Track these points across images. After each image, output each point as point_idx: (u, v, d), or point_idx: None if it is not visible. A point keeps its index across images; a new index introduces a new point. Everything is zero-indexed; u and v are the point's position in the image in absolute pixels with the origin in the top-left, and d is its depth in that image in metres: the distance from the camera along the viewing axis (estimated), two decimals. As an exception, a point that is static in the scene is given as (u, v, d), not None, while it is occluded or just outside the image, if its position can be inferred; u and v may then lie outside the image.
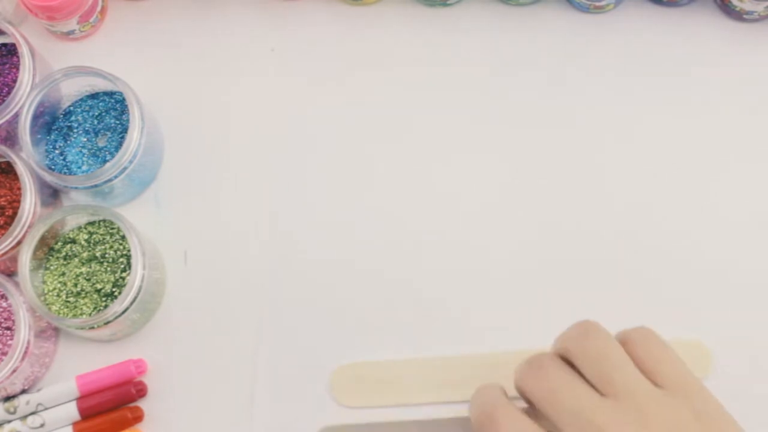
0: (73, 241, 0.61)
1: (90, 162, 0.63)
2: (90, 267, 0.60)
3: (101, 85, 0.63)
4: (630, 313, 0.55)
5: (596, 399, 0.45)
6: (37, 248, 0.59)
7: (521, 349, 0.57)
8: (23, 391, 0.60)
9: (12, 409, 0.59)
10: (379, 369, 0.59)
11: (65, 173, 0.63)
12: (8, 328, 0.60)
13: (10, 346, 0.59)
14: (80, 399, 0.59)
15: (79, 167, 0.63)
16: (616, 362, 0.46)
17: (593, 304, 0.58)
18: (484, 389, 0.49)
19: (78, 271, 0.60)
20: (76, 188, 0.60)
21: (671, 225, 0.61)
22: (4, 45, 0.65)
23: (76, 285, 0.60)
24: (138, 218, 0.61)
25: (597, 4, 0.64)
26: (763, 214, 0.61)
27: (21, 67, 0.61)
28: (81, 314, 0.59)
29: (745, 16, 0.64)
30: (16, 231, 0.58)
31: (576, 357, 0.47)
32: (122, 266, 0.60)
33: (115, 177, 0.60)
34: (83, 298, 0.60)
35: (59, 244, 0.61)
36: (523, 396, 0.47)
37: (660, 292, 0.60)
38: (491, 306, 0.60)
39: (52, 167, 0.63)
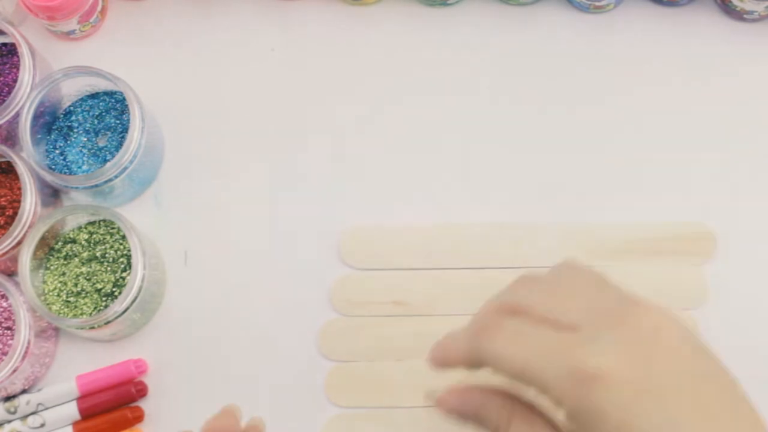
0: (74, 241, 0.61)
1: (90, 162, 0.63)
2: (90, 267, 0.60)
3: (101, 84, 0.63)
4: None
5: (562, 336, 0.39)
6: (37, 248, 0.59)
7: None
8: (23, 391, 0.60)
9: (12, 409, 0.59)
10: (373, 370, 0.59)
11: (65, 173, 0.63)
12: (8, 328, 0.60)
13: (10, 346, 0.59)
14: (80, 399, 0.59)
15: (80, 167, 0.63)
16: (566, 294, 0.41)
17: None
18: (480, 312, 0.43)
19: (78, 270, 0.60)
20: (76, 188, 0.60)
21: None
22: (4, 45, 0.65)
23: (76, 285, 0.60)
24: (138, 218, 0.61)
25: (597, 4, 0.64)
26: None
27: (21, 67, 0.61)
28: (81, 314, 0.59)
29: (745, 16, 0.64)
30: (17, 231, 0.58)
31: (523, 301, 0.42)
32: (122, 266, 0.60)
33: (116, 177, 0.60)
34: (83, 298, 0.60)
35: (59, 243, 0.61)
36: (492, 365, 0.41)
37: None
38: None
39: (53, 167, 0.63)
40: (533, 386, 0.39)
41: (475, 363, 0.42)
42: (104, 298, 0.59)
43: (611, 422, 0.37)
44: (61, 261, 0.61)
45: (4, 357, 0.58)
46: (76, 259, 0.60)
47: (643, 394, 0.37)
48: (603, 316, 0.40)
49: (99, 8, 0.66)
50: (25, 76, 0.61)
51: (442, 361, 0.44)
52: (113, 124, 0.64)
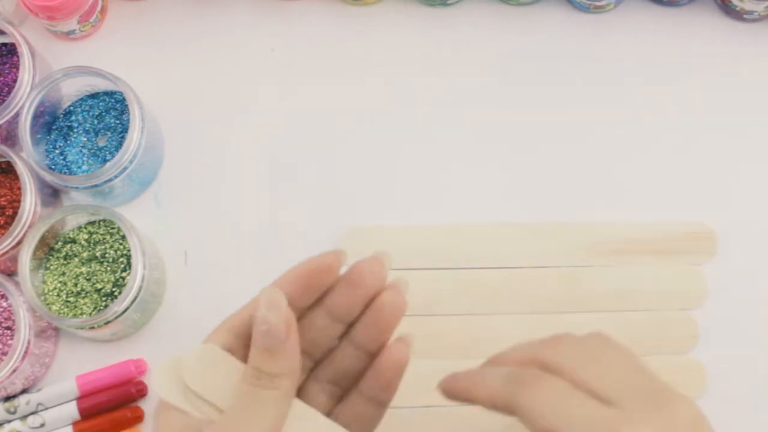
0: (73, 241, 0.61)
1: (90, 162, 0.63)
2: (90, 267, 0.60)
3: (101, 84, 0.63)
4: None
5: (604, 410, 0.39)
6: (37, 248, 0.59)
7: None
8: (23, 391, 0.60)
9: (12, 409, 0.59)
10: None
11: (65, 173, 0.63)
12: (8, 328, 0.60)
13: (10, 346, 0.59)
14: (80, 399, 0.59)
15: (80, 167, 0.63)
16: (606, 365, 0.41)
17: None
18: None
19: (78, 270, 0.60)
20: (76, 188, 0.60)
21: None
22: (4, 45, 0.65)
23: (76, 285, 0.60)
24: (138, 218, 0.61)
25: (597, 4, 0.64)
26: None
27: (21, 67, 0.61)
28: (81, 314, 0.59)
29: (745, 16, 0.64)
30: (16, 231, 0.58)
31: (563, 362, 0.41)
32: (122, 266, 0.60)
33: (116, 177, 0.60)
34: (83, 298, 0.60)
35: (59, 243, 0.61)
36: (511, 411, 0.40)
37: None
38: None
39: (53, 167, 0.63)
40: None
41: (503, 409, 0.41)
42: (104, 298, 0.59)
43: None
44: (61, 261, 0.61)
45: (4, 357, 0.58)
46: (76, 259, 0.60)
47: None
48: (643, 398, 0.39)
49: (99, 8, 0.66)
50: (25, 76, 0.61)
51: (463, 394, 0.43)
52: (113, 124, 0.64)
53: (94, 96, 0.65)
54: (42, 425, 0.59)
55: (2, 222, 0.62)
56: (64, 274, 0.60)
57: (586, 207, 0.62)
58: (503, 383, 0.41)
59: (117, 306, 0.57)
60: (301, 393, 0.42)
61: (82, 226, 0.61)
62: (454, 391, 0.44)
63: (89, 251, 0.61)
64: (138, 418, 0.59)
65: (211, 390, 0.39)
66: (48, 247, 0.61)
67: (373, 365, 0.42)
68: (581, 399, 0.39)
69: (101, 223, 0.61)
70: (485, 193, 0.63)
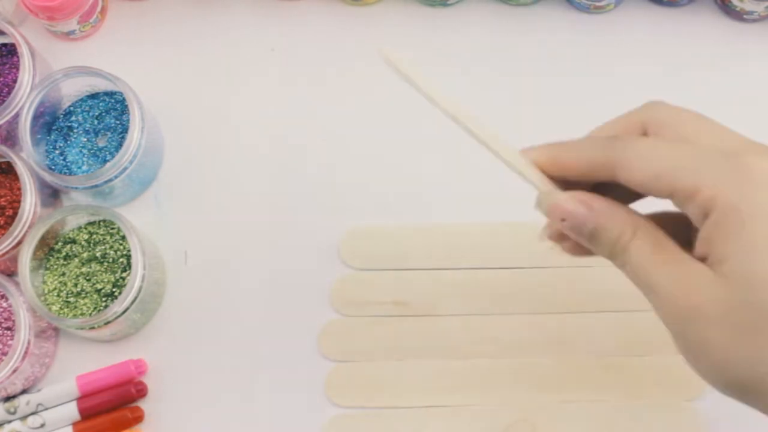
0: (74, 241, 0.61)
1: (90, 162, 0.63)
2: (90, 267, 0.60)
3: (101, 85, 0.63)
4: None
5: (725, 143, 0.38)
6: (37, 248, 0.59)
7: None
8: (23, 391, 0.60)
9: (12, 409, 0.59)
10: (373, 370, 0.59)
11: (65, 173, 0.63)
12: (8, 328, 0.60)
13: (10, 346, 0.59)
14: (80, 399, 0.59)
15: (80, 167, 0.63)
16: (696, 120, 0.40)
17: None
18: None
19: (78, 271, 0.60)
20: (76, 188, 0.60)
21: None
22: (4, 45, 0.65)
23: (76, 285, 0.60)
24: (138, 218, 0.61)
25: (597, 4, 0.64)
26: None
27: (21, 67, 0.61)
28: (81, 314, 0.59)
29: (745, 16, 0.64)
30: (17, 231, 0.58)
31: (668, 121, 0.41)
32: (122, 266, 0.60)
33: (116, 177, 0.60)
34: (83, 298, 0.60)
35: (59, 244, 0.61)
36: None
37: None
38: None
39: (53, 167, 0.63)
40: (674, 192, 0.37)
41: (602, 169, 0.40)
42: (104, 299, 0.59)
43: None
44: (61, 261, 0.61)
45: (4, 357, 0.58)
46: (76, 260, 0.60)
47: None
48: (754, 145, 0.38)
49: (99, 8, 0.66)
50: (25, 76, 0.61)
51: (559, 167, 0.43)
52: (113, 125, 0.64)
53: (94, 96, 0.65)
54: (42, 425, 0.59)
55: (2, 222, 0.62)
56: (64, 274, 0.60)
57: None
58: (597, 147, 0.41)
59: (117, 306, 0.57)
60: None
61: (82, 226, 0.61)
62: (557, 161, 0.43)
63: (89, 251, 0.61)
64: (138, 418, 0.59)
65: None
66: (48, 248, 0.61)
67: None
68: (693, 145, 0.38)
69: (101, 223, 0.61)
70: (485, 193, 0.63)
